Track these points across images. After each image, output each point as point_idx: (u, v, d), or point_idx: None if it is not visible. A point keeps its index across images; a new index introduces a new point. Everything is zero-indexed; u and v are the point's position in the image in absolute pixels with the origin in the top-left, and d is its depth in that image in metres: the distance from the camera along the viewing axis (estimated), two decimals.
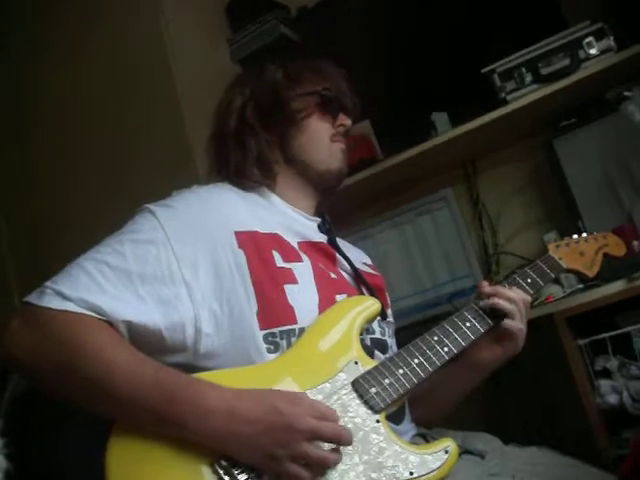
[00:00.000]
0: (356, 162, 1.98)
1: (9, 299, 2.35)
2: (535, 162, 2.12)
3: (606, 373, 1.54)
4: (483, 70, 1.92)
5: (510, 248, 2.10)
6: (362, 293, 1.32)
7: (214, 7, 2.48)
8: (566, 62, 1.83)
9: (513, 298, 1.24)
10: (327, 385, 1.11)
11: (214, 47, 2.41)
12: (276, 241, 1.23)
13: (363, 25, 2.15)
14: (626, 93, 1.74)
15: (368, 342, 1.24)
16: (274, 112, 1.35)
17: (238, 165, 1.32)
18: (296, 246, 1.26)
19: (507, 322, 1.23)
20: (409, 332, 1.32)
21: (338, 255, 1.33)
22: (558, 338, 1.52)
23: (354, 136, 1.69)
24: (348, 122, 1.39)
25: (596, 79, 1.81)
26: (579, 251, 1.42)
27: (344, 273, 1.33)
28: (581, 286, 1.73)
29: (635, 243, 1.70)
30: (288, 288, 1.18)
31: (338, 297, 1.23)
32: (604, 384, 1.52)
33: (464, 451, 1.21)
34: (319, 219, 1.38)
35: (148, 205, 1.20)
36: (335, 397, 1.10)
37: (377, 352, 1.24)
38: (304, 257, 1.25)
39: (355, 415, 1.10)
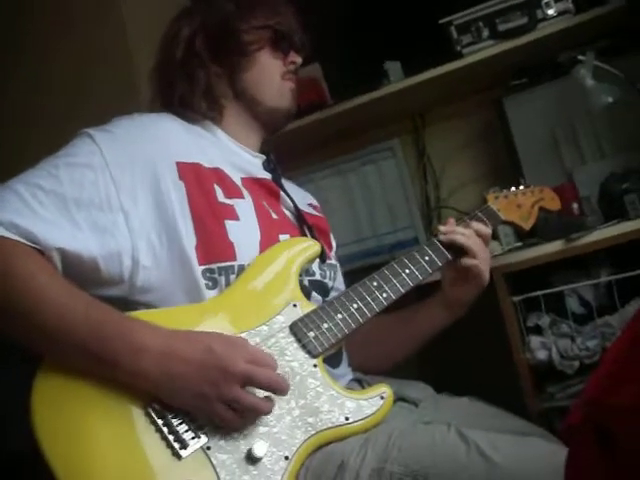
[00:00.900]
0: (305, 105, 1.93)
1: None
2: (484, 119, 2.11)
3: (537, 330, 1.58)
4: (440, 21, 1.89)
5: (452, 202, 2.10)
6: (304, 234, 1.30)
7: None
8: (524, 20, 1.82)
9: (467, 234, 1.27)
10: (264, 328, 1.10)
11: None
12: (218, 176, 1.20)
13: None
14: (580, 57, 1.73)
15: (306, 283, 1.22)
16: (224, 43, 1.29)
17: (184, 96, 1.27)
18: (239, 182, 1.23)
19: (464, 260, 1.26)
20: (349, 278, 1.32)
21: (282, 193, 1.31)
22: (494, 293, 1.54)
23: (303, 78, 1.64)
24: (299, 60, 1.36)
25: (552, 40, 1.81)
26: (516, 203, 1.44)
27: (287, 212, 1.31)
28: (519, 244, 1.76)
29: (574, 205, 1.73)
30: (229, 224, 1.15)
31: (282, 237, 1.21)
32: (534, 340, 1.55)
33: (398, 398, 1.22)
34: (264, 157, 1.34)
35: (87, 129, 1.14)
36: (273, 340, 1.09)
37: (315, 294, 1.23)
38: (246, 194, 1.21)
39: (292, 359, 1.09)
